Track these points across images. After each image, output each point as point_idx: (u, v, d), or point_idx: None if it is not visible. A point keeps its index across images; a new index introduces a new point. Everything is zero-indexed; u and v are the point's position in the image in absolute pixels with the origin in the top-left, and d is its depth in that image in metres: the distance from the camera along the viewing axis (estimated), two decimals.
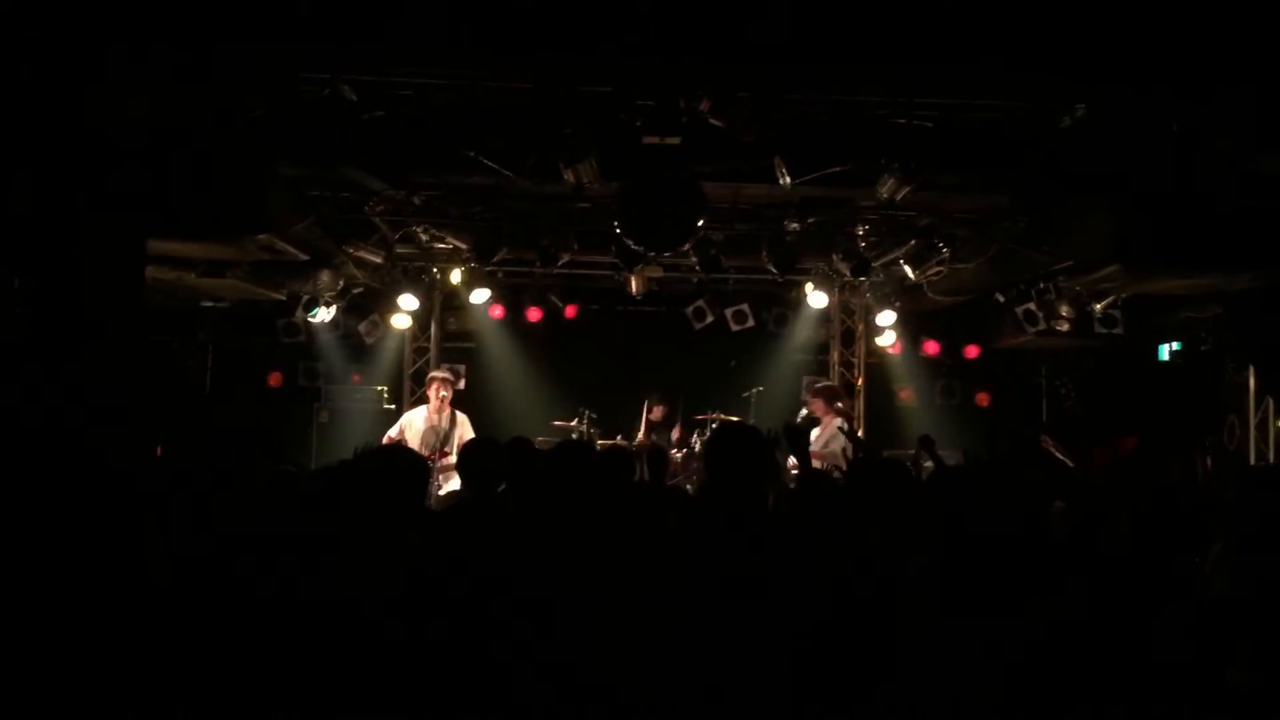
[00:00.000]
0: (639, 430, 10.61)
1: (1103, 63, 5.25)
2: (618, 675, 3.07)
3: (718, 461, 3.74)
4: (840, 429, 8.32)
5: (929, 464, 6.14)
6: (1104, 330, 10.15)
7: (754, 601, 3.14)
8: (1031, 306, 9.89)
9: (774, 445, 4.81)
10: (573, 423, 10.56)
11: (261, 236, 7.23)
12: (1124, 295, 9.51)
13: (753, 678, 3.06)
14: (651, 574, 3.30)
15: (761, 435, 3.94)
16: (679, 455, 10.16)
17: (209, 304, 11.18)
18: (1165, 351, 11.25)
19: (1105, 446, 10.41)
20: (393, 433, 9.02)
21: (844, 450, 9.25)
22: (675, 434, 10.62)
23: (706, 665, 3.07)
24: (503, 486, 4.71)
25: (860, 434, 12.10)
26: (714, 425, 10.60)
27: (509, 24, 5.11)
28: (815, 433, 9.47)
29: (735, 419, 10.75)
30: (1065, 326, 9.98)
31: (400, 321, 11.31)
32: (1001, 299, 10.54)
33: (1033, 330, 10.08)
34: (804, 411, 9.50)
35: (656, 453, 7.79)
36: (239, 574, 3.28)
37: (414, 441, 8.67)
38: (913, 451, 10.99)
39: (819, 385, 9.86)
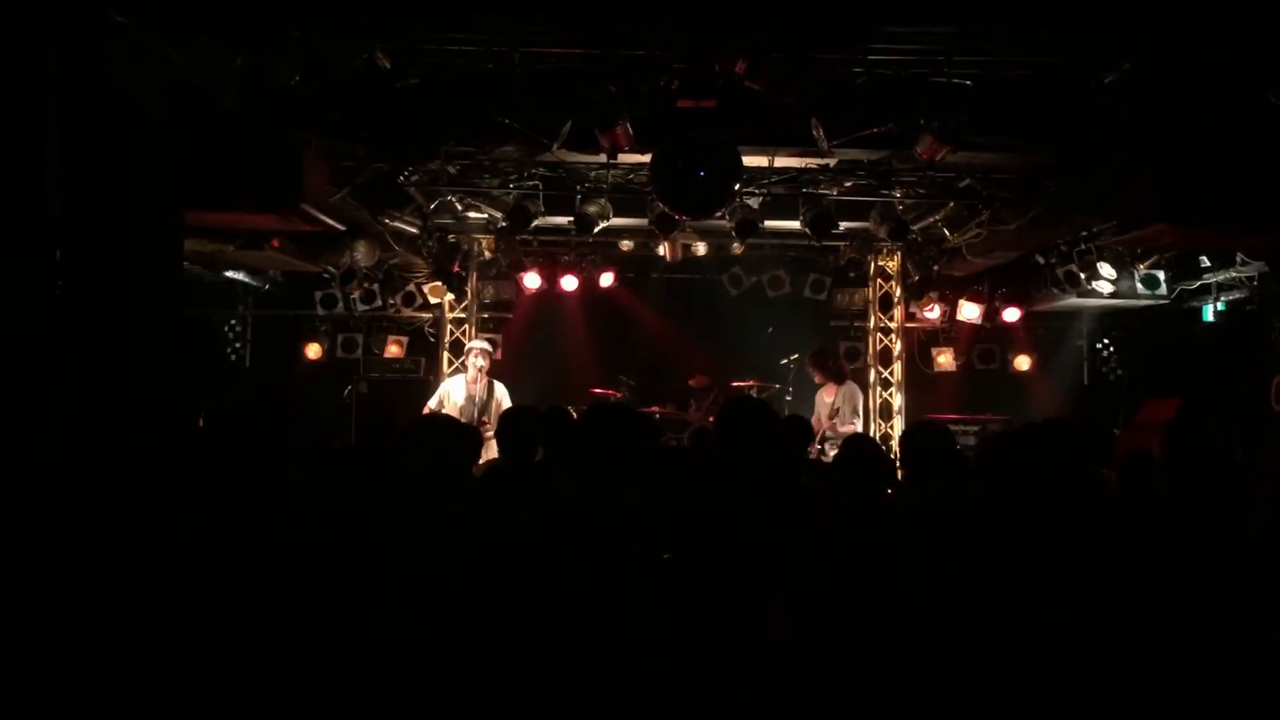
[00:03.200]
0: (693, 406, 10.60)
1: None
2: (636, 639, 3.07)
3: (727, 435, 3.72)
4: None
5: None
6: (1146, 291, 10.01)
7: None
8: (1073, 267, 9.77)
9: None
10: (610, 390, 10.57)
11: (298, 207, 7.23)
12: (1168, 255, 9.36)
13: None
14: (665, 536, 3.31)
15: (770, 409, 3.93)
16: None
17: (248, 277, 11.25)
18: (1210, 311, 11.05)
19: (1148, 409, 10.28)
20: (432, 403, 9.04)
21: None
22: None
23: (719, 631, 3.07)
24: (540, 455, 4.73)
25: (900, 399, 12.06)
26: (751, 393, 10.59)
27: None
28: (829, 399, 9.47)
29: (772, 386, 10.74)
30: (1107, 288, 9.85)
31: (436, 291, 11.34)
32: (1042, 261, 10.42)
33: (1074, 291, 9.96)
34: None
35: (705, 431, 7.76)
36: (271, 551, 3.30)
37: (453, 411, 8.70)
38: (954, 416, 11.02)
39: (813, 354, 9.86)
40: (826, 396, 9.60)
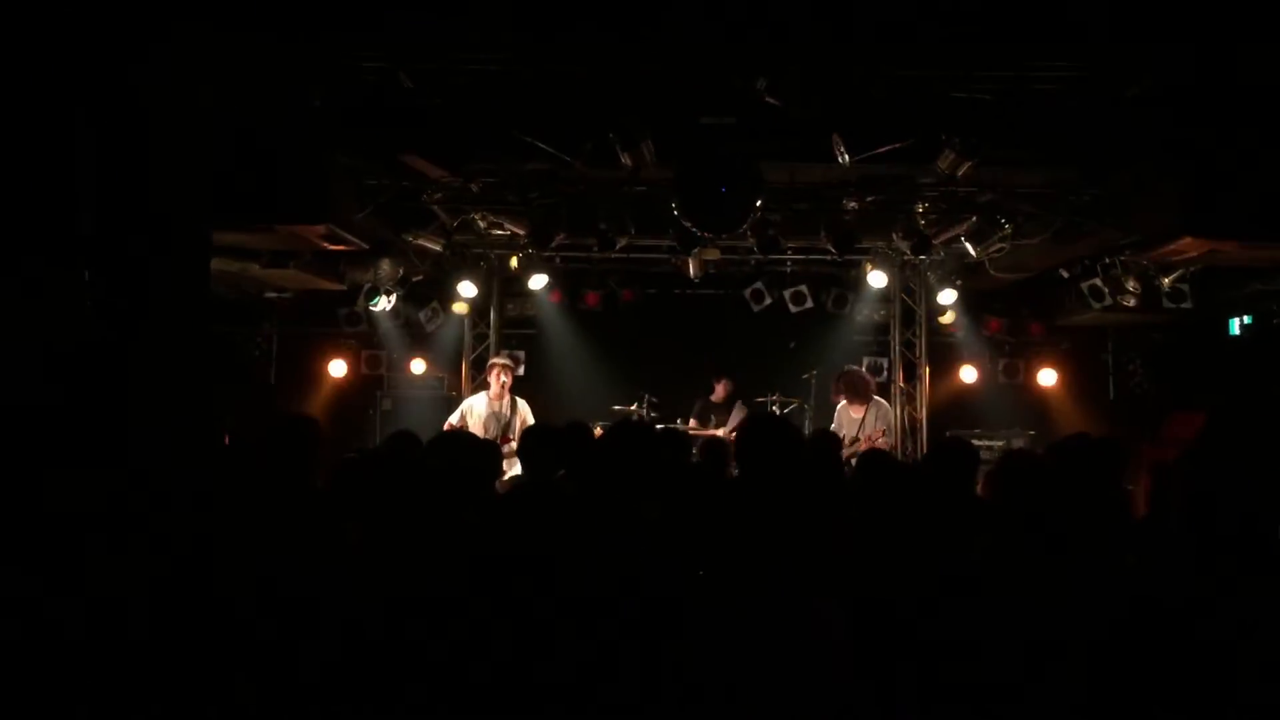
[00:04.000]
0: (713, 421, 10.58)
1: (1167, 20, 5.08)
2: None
3: (748, 453, 3.72)
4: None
5: None
6: (1172, 304, 9.95)
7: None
8: (1097, 281, 9.72)
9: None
10: (632, 407, 10.58)
11: (323, 226, 7.31)
12: (1193, 268, 9.30)
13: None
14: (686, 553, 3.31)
15: (792, 426, 3.94)
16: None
17: (273, 294, 11.34)
18: (1236, 325, 10.98)
19: (1175, 423, 10.21)
20: (453, 419, 9.08)
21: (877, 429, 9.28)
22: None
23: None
24: (561, 471, 4.75)
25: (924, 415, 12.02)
26: (773, 407, 10.58)
27: (564, 6, 5.10)
28: (857, 416, 9.47)
29: (793, 401, 10.73)
30: (1132, 301, 9.80)
31: (460, 308, 11.39)
32: (1065, 275, 10.37)
33: (1099, 306, 9.91)
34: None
35: (715, 443, 7.74)
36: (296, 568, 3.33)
37: (476, 428, 8.74)
38: (978, 431, 10.98)
39: (837, 380, 9.86)
40: (854, 413, 9.57)
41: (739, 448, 3.83)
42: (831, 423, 9.84)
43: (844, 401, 9.77)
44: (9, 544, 3.63)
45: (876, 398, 9.69)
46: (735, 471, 7.78)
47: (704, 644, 3.08)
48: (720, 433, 10.12)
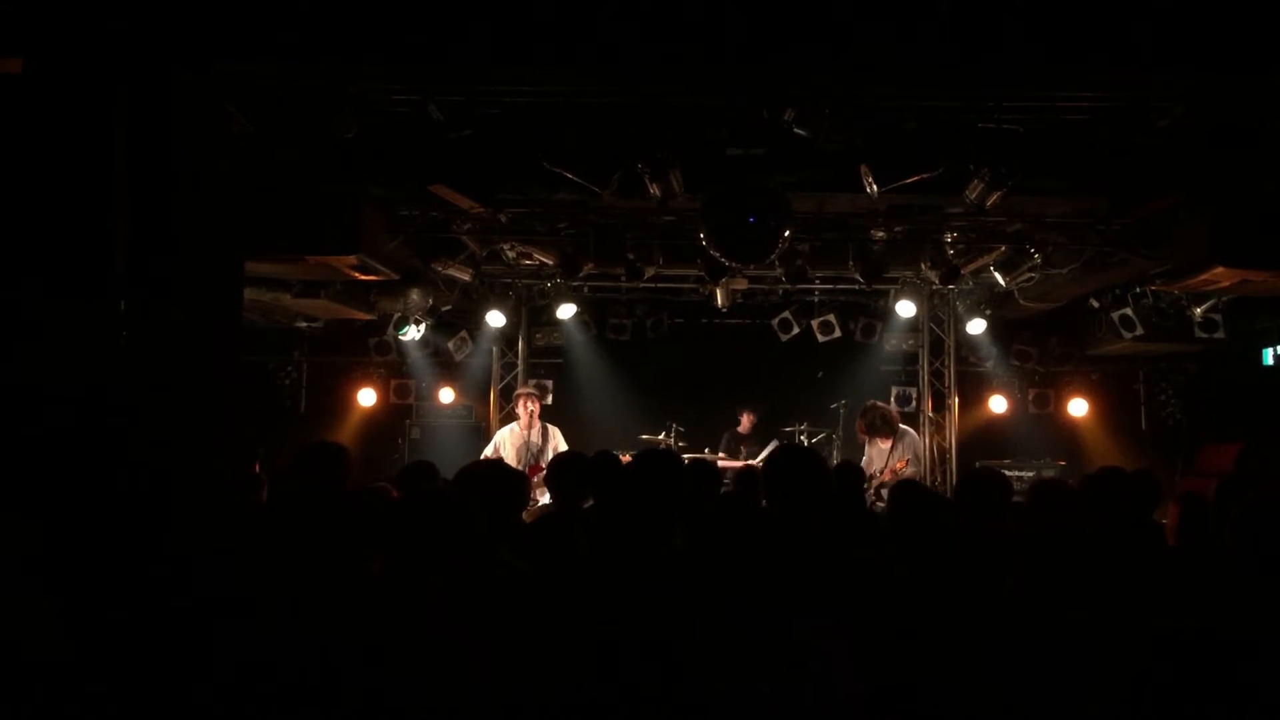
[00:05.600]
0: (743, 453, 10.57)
1: (1200, 49, 5.05)
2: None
3: (775, 484, 3.71)
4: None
5: None
6: (1204, 334, 9.86)
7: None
8: (1128, 311, 9.66)
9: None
10: (660, 436, 10.58)
11: (355, 257, 7.37)
12: (1225, 298, 9.23)
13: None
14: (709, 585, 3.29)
15: (819, 457, 3.92)
16: None
17: (303, 323, 11.43)
18: (1270, 355, 10.87)
19: (1208, 455, 10.10)
20: (488, 452, 9.12)
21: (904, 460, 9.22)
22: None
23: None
24: (590, 501, 4.75)
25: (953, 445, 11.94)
26: (801, 437, 10.55)
27: (594, 38, 5.14)
28: (885, 446, 9.41)
29: (822, 431, 10.70)
30: (1164, 331, 9.73)
31: (489, 336, 11.46)
32: (1096, 304, 10.31)
33: (1130, 336, 9.84)
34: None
35: (748, 473, 7.71)
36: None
37: (509, 457, 8.79)
38: (1008, 461, 10.90)
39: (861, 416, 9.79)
40: (882, 445, 9.52)
41: (766, 479, 3.82)
42: (860, 452, 9.79)
43: (870, 436, 9.72)
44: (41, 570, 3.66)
45: (903, 427, 9.63)
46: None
47: (711, 677, 3.06)
48: (755, 463, 10.11)
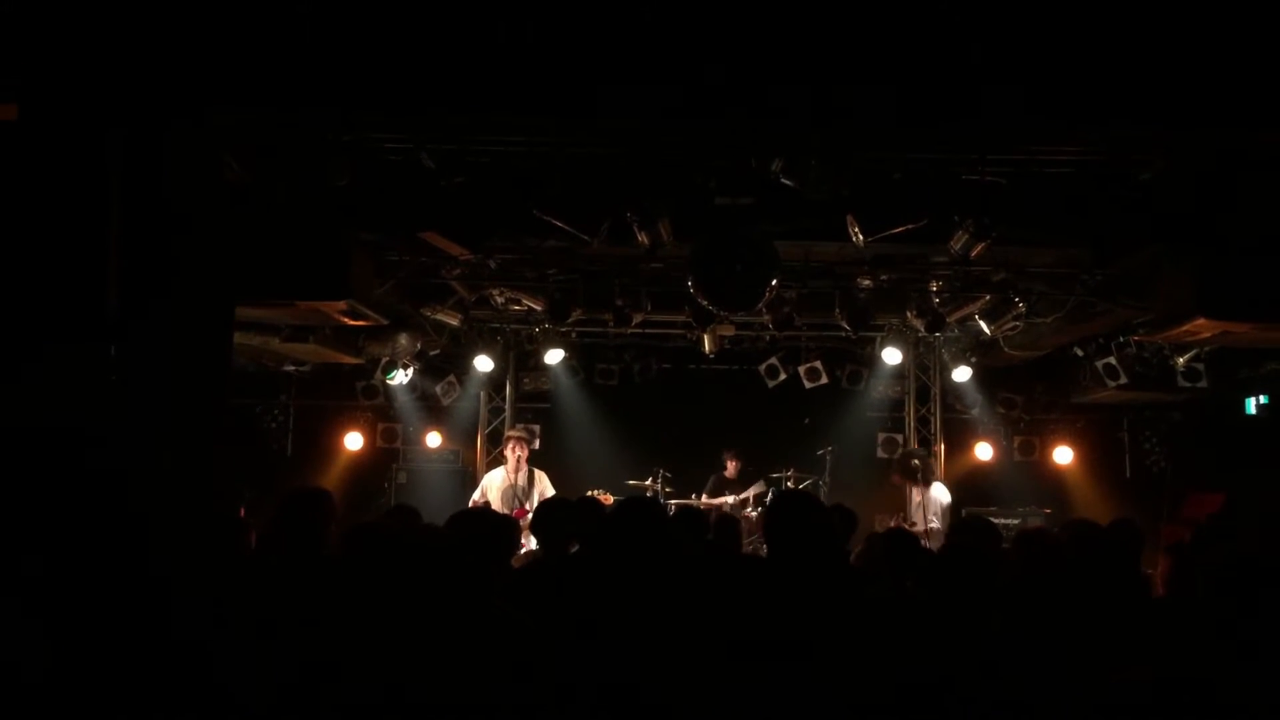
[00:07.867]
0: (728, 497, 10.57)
1: (1181, 105, 5.14)
2: None
3: (776, 531, 3.72)
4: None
5: None
6: (1187, 384, 9.94)
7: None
8: (1112, 360, 9.73)
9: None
10: (646, 482, 10.59)
11: (344, 303, 7.40)
12: (1208, 348, 9.31)
13: None
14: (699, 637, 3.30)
15: (819, 502, 3.93)
16: (754, 515, 10.10)
17: (291, 367, 11.43)
18: (1252, 405, 10.96)
19: (1193, 504, 10.16)
20: (476, 497, 9.13)
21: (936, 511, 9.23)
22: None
23: None
24: (576, 547, 4.76)
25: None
26: (788, 483, 10.56)
27: (584, 89, 5.20)
28: (917, 499, 9.44)
29: (808, 477, 10.72)
30: (1147, 380, 9.80)
31: (477, 381, 11.47)
32: (1080, 353, 10.39)
33: (1114, 384, 9.91)
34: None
35: (726, 519, 7.72)
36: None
37: (495, 501, 8.79)
38: (993, 509, 10.92)
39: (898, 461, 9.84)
40: (915, 495, 9.55)
41: (767, 526, 3.82)
42: (842, 498, 9.82)
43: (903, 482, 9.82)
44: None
45: (935, 481, 9.71)
46: (751, 549, 7.77)
47: None
48: (731, 500, 10.17)
